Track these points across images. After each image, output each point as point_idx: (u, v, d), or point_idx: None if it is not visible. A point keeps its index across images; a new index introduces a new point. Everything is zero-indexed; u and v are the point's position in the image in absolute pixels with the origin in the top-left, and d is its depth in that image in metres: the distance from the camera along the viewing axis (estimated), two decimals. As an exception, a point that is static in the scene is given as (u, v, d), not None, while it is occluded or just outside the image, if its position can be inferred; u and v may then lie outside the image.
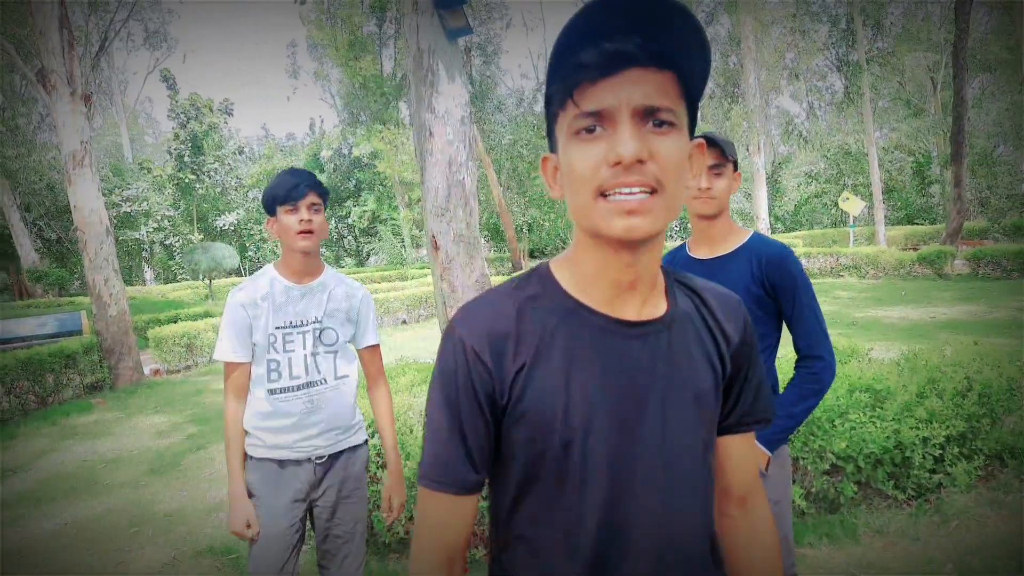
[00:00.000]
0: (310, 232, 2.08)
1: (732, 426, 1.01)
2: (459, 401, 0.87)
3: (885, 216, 24.14)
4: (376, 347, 2.33)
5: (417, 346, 10.94)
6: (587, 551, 0.87)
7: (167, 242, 31.68)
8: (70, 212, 9.65)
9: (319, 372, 2.14)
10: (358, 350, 2.31)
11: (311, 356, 2.13)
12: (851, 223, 20.75)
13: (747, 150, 21.34)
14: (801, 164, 33.29)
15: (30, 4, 9.01)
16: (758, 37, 22.29)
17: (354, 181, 32.81)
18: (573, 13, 0.77)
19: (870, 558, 3.07)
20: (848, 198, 19.32)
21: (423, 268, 26.28)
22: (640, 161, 0.76)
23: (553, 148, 0.89)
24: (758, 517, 1.05)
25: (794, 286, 1.94)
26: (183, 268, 30.57)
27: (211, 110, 31.48)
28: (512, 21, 30.40)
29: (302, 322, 2.13)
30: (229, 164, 32.27)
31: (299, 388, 2.10)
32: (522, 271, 0.98)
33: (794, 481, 3.37)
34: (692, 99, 0.82)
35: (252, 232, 32.68)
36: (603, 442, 0.86)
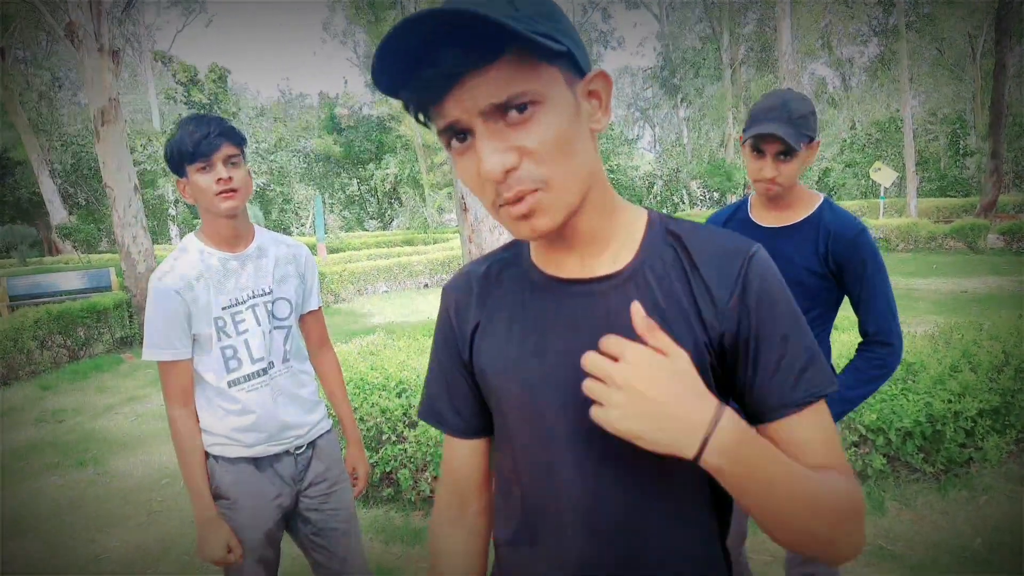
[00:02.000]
0: (233, 191, 1.72)
1: (767, 412, 0.78)
2: (440, 350, 0.96)
3: (917, 187, 23.59)
4: (319, 311, 2.06)
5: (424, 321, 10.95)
6: (517, 520, 0.89)
7: (187, 201, 31.90)
8: (97, 169, 9.73)
9: (283, 351, 1.86)
10: (301, 315, 2.00)
11: (269, 333, 1.83)
12: (881, 194, 20.31)
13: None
14: (833, 132, 32.58)
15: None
16: (794, 1, 21.65)
17: (375, 143, 32.69)
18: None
19: (897, 531, 3.05)
20: (880, 168, 18.88)
21: (445, 232, 26.28)
22: (512, 168, 0.70)
23: None
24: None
25: (863, 267, 1.77)
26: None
27: (215, 80, 31.35)
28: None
29: (249, 295, 1.81)
30: (246, 127, 32.27)
31: (264, 372, 1.81)
32: None
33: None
34: (552, 50, 0.68)
35: (276, 194, 32.81)
36: (534, 406, 0.83)
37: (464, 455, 0.96)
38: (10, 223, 25.88)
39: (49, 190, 24.50)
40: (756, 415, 0.79)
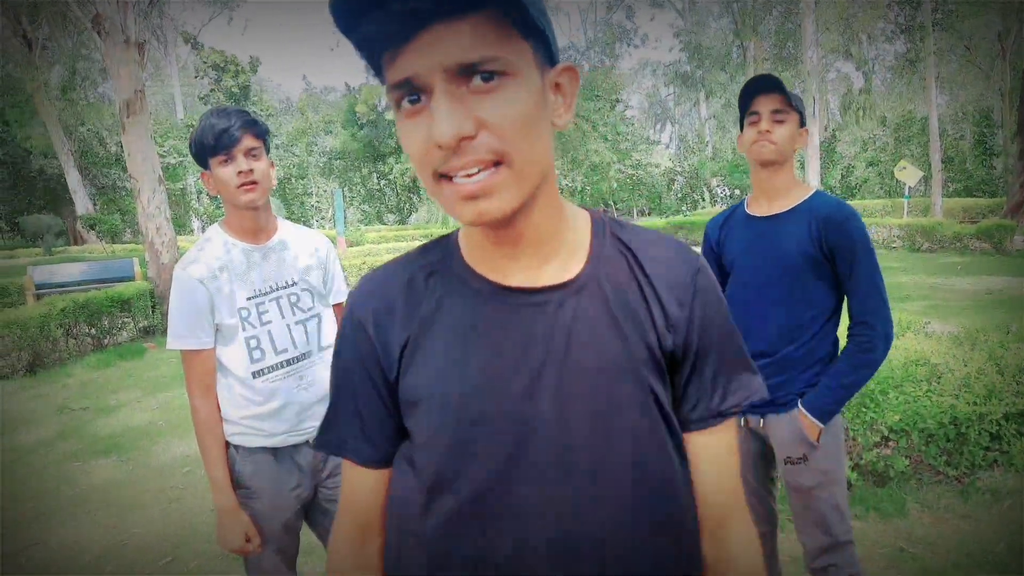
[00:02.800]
0: (254, 183, 1.74)
1: (691, 421, 0.81)
2: (350, 371, 0.83)
3: (943, 187, 23.25)
4: (342, 304, 2.01)
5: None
6: (452, 550, 0.76)
7: (211, 192, 32.26)
8: (122, 160, 9.85)
9: (307, 343, 1.87)
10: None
11: (293, 326, 1.85)
12: (906, 193, 20.04)
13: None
14: (857, 131, 32.17)
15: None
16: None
17: (395, 138, 32.72)
18: None
19: (918, 533, 3.01)
20: (905, 167, 18.62)
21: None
22: (468, 137, 0.63)
23: None
24: (736, 548, 0.84)
25: (852, 249, 1.83)
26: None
27: (243, 69, 31.64)
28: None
29: (272, 287, 1.83)
30: (270, 121, 32.50)
31: (287, 364, 1.82)
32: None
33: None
34: (532, 25, 0.65)
35: (296, 188, 33.04)
36: (485, 425, 0.75)
37: (370, 485, 0.85)
38: (36, 213, 26.30)
39: (74, 180, 24.84)
40: (686, 422, 0.81)
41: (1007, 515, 3.12)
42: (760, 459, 2.09)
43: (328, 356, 1.93)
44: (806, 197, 1.94)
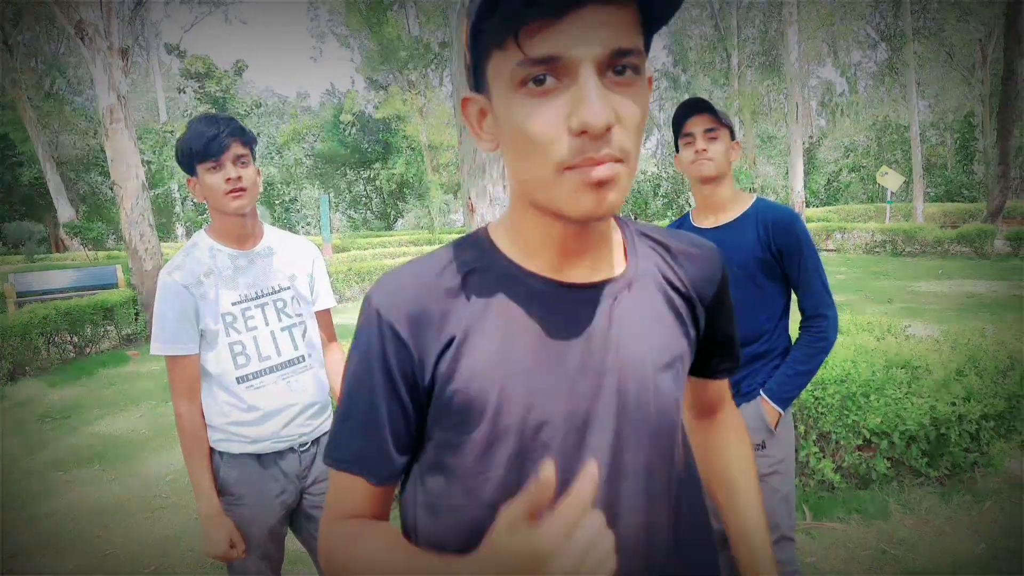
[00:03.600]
0: (242, 190, 1.75)
1: (715, 373, 0.98)
2: (373, 382, 0.75)
3: (924, 192, 23.52)
4: (328, 310, 2.06)
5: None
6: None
7: (197, 199, 32.09)
8: (105, 166, 9.79)
9: (294, 349, 1.87)
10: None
11: (279, 332, 1.85)
12: (888, 198, 20.26)
13: (785, 121, 20.86)
14: (840, 137, 32.50)
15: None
16: (801, 2, 21.61)
17: (381, 144, 32.73)
18: None
19: (900, 535, 3.05)
20: (887, 172, 18.85)
21: (450, 232, 26.28)
22: (610, 127, 0.62)
23: (478, 87, 0.73)
24: (729, 425, 1.04)
25: (799, 249, 1.96)
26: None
27: (221, 77, 31.56)
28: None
29: (259, 293, 1.83)
30: (253, 126, 32.39)
31: (272, 370, 1.82)
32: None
33: (825, 455, 3.34)
34: (649, 34, 0.68)
35: (281, 193, 32.89)
36: (546, 426, 0.73)
37: (371, 501, 0.80)
38: (18, 220, 26.01)
39: (56, 187, 24.60)
40: (704, 373, 0.96)
41: (988, 516, 3.17)
42: None
43: (316, 362, 1.93)
44: (750, 205, 2.06)
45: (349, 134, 32.19)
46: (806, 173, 27.97)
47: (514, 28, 0.61)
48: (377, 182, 33.62)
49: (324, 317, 2.05)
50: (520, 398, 0.73)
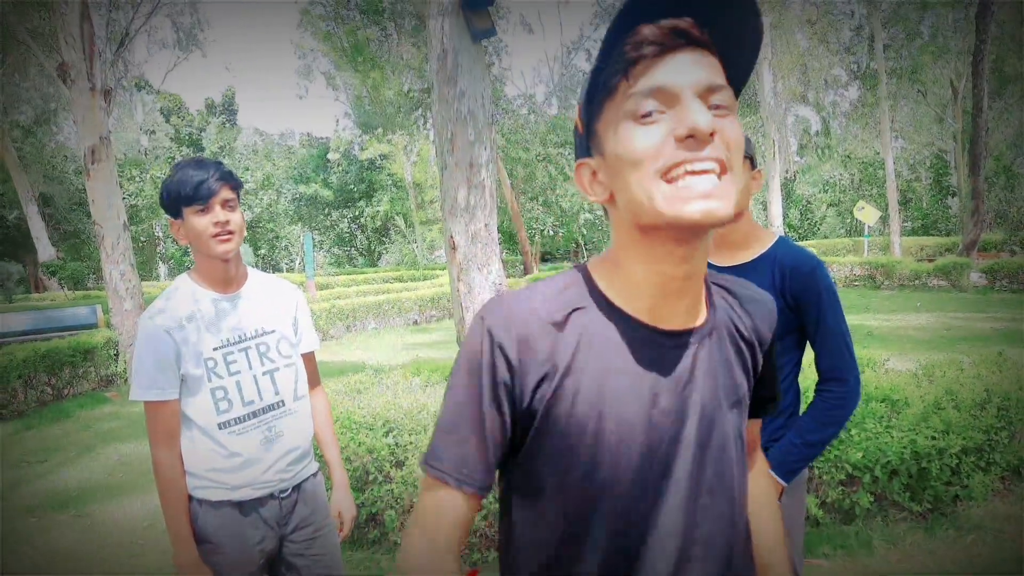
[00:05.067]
0: (230, 234, 1.74)
1: (759, 412, 1.04)
2: (481, 393, 0.82)
3: (901, 226, 23.97)
4: (313, 353, 2.05)
5: (430, 346, 10.95)
6: (594, 563, 0.84)
7: (180, 242, 32.04)
8: (85, 205, 9.77)
9: (276, 394, 1.84)
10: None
11: (262, 376, 1.82)
12: (866, 233, 20.62)
13: (763, 158, 21.28)
14: (818, 173, 33.13)
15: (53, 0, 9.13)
16: (775, 44, 22.22)
17: (366, 182, 32.92)
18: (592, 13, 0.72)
19: (884, 570, 3.05)
20: (864, 207, 19.22)
21: (434, 269, 26.31)
22: (712, 134, 0.71)
23: (589, 152, 0.85)
24: (759, 468, 1.13)
25: (819, 301, 1.74)
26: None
27: (190, 117, 31.84)
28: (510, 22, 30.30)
29: (241, 337, 1.81)
30: (237, 163, 32.48)
31: (254, 415, 1.79)
32: (567, 268, 0.98)
33: (809, 491, 3.35)
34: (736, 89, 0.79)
35: (266, 230, 32.89)
36: (633, 461, 0.82)
37: (462, 510, 0.86)
38: (-3, 260, 25.74)
39: (37, 227, 24.42)
40: (752, 412, 0.99)
41: (971, 550, 3.17)
42: None
43: (299, 407, 1.91)
44: (770, 245, 1.85)
45: (335, 173, 32.35)
46: (785, 208, 28.41)
47: (625, 69, 0.74)
48: (362, 220, 33.72)
49: (308, 360, 2.03)
50: (613, 435, 0.82)
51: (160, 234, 30.81)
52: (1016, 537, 3.24)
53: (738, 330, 0.92)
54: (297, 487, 1.90)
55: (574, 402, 0.81)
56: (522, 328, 0.82)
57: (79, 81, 9.05)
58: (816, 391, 1.81)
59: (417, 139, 28.75)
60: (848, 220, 31.37)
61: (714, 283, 0.94)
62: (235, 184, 1.78)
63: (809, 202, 32.08)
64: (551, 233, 29.34)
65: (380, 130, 29.00)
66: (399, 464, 3.40)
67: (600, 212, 28.74)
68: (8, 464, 5.68)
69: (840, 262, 17.83)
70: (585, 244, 30.82)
